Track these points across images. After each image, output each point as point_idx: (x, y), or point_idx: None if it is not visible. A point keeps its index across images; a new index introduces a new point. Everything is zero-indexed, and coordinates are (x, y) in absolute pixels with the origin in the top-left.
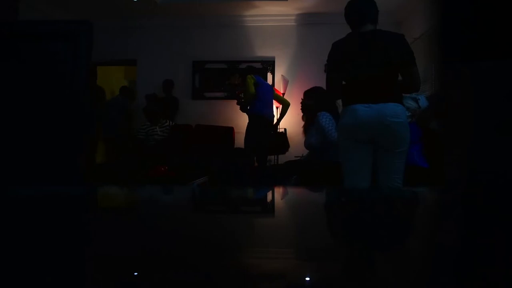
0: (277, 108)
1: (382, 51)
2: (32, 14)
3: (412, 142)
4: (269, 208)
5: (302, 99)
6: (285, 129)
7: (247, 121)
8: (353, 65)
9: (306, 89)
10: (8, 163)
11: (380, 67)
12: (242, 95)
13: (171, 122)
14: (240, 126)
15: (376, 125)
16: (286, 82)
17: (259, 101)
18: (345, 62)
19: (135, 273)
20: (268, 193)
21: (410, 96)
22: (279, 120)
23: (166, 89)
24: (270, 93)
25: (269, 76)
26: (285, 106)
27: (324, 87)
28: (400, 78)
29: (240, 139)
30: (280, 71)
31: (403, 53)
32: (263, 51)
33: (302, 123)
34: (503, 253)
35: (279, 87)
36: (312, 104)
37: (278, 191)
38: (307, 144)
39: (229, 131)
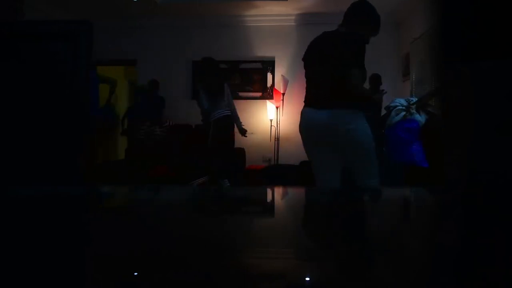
0: (276, 108)
1: (326, 51)
2: (32, 14)
3: (412, 141)
4: (269, 208)
5: None
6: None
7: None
8: (305, 65)
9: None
10: (8, 163)
11: (326, 68)
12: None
13: (171, 122)
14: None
15: (329, 132)
16: (286, 82)
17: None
18: (304, 61)
19: (135, 273)
20: (268, 193)
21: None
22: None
23: (153, 88)
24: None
25: (269, 76)
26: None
27: None
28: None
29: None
30: (280, 71)
31: (343, 53)
32: (263, 51)
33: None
34: (503, 253)
35: (279, 87)
36: None
37: (278, 191)
38: None
39: None
